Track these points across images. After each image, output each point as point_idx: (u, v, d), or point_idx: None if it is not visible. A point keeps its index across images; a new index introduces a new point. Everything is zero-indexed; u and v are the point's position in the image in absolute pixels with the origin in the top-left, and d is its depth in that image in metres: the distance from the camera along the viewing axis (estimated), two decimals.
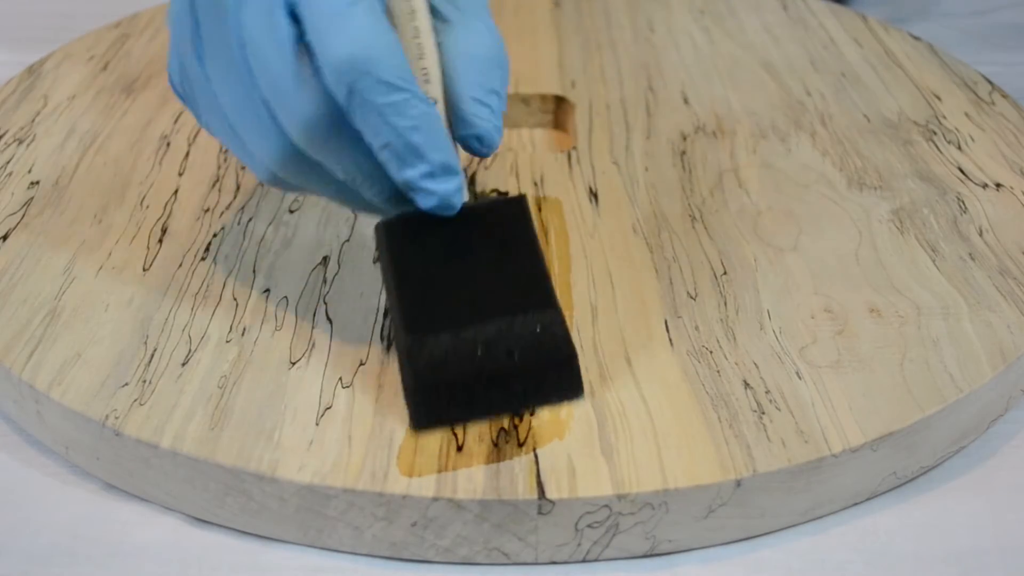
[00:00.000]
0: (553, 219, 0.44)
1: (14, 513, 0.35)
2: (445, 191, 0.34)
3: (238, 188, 0.46)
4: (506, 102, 0.36)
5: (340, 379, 0.36)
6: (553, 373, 0.34)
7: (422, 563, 0.34)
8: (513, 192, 0.45)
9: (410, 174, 0.33)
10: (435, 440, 0.34)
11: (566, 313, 0.39)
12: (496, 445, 0.34)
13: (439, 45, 0.36)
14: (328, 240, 0.43)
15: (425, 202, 0.34)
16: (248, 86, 0.33)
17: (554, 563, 0.34)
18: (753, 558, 0.34)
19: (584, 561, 0.34)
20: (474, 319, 0.33)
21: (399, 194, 0.35)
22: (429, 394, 0.34)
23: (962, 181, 0.47)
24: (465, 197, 0.35)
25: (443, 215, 0.35)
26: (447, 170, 0.34)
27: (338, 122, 0.33)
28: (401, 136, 0.33)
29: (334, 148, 0.33)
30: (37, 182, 0.46)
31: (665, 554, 0.34)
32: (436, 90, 0.36)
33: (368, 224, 0.44)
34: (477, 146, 0.36)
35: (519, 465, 0.33)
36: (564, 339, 0.34)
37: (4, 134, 0.49)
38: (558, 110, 0.53)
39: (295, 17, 0.33)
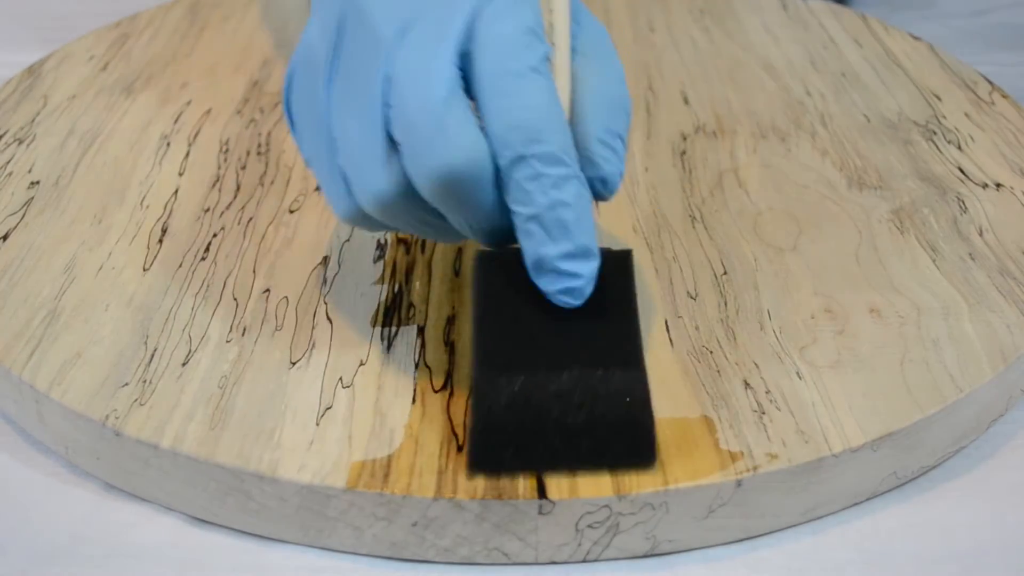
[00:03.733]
0: None
1: (14, 513, 0.35)
2: (580, 274, 0.33)
3: (238, 188, 0.46)
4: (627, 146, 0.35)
5: (340, 379, 0.36)
6: (625, 437, 0.32)
7: (422, 563, 0.34)
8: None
9: (550, 251, 0.32)
10: (435, 440, 0.34)
11: None
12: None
13: (573, 78, 0.35)
14: (328, 240, 0.43)
15: (553, 285, 0.33)
16: (373, 121, 0.32)
17: (554, 563, 0.34)
18: (753, 558, 0.34)
19: (584, 561, 0.34)
20: (551, 366, 0.32)
21: (501, 239, 0.34)
22: (492, 435, 0.32)
23: (962, 181, 0.47)
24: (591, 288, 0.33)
25: (567, 303, 0.33)
26: (587, 253, 0.32)
27: (480, 177, 0.32)
28: (553, 210, 0.32)
29: (465, 200, 0.32)
30: (37, 182, 0.46)
31: (665, 554, 0.34)
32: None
33: None
34: (600, 188, 0.34)
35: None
36: (642, 404, 0.32)
37: (4, 134, 0.49)
38: None
39: (461, 63, 0.32)
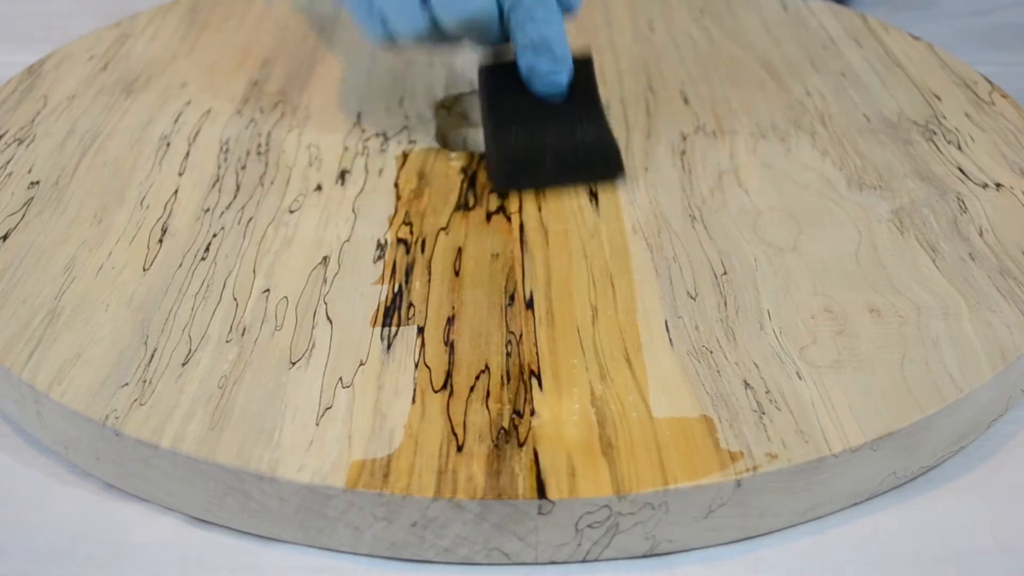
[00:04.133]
0: (553, 219, 0.44)
1: (14, 513, 0.35)
2: (559, 76, 0.46)
3: (238, 188, 0.46)
4: None
5: (340, 379, 0.36)
6: (602, 155, 0.46)
7: (422, 563, 0.34)
8: None
9: (539, 62, 0.45)
10: (435, 440, 0.34)
11: (567, 314, 0.39)
12: (496, 445, 0.34)
13: None
14: (328, 240, 0.43)
15: (541, 84, 0.46)
16: None
17: (554, 563, 0.34)
18: (753, 558, 0.34)
19: (584, 561, 0.34)
20: (547, 120, 0.46)
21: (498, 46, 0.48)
22: (509, 163, 0.45)
23: (962, 181, 0.47)
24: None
25: (550, 92, 0.46)
26: (564, 61, 0.46)
27: (491, 18, 0.45)
28: (541, 35, 0.45)
29: (479, 34, 0.46)
30: (37, 182, 0.46)
31: (665, 554, 0.34)
32: None
33: (367, 225, 0.44)
34: (567, 9, 0.46)
35: (519, 465, 0.33)
36: (610, 135, 0.46)
37: (4, 134, 0.49)
38: None
39: None
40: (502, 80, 0.47)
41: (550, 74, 0.46)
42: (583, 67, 0.48)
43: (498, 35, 0.46)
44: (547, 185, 0.46)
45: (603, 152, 0.46)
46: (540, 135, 0.45)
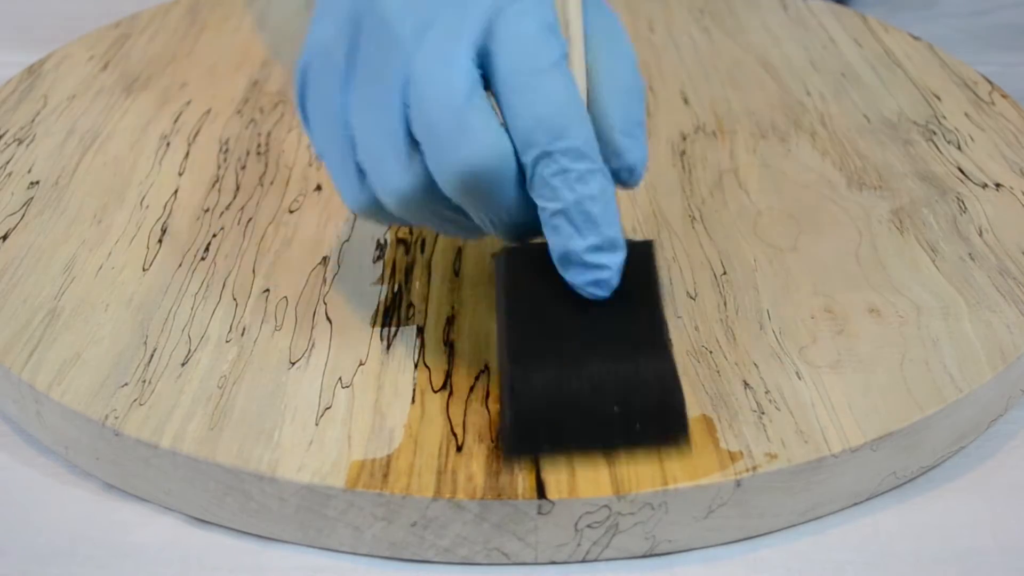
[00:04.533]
0: None
1: (14, 513, 0.35)
2: (607, 266, 0.33)
3: (238, 188, 0.46)
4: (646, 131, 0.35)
5: (340, 379, 0.36)
6: (657, 421, 0.33)
7: (422, 563, 0.34)
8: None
9: (578, 244, 0.33)
10: (435, 440, 0.34)
11: None
12: (496, 445, 0.34)
13: (587, 69, 0.35)
14: (328, 240, 0.43)
15: (581, 277, 0.33)
16: (393, 121, 0.32)
17: (554, 563, 0.34)
18: (753, 558, 0.34)
19: (584, 561, 0.34)
20: (582, 360, 0.33)
21: (522, 235, 0.35)
22: (527, 426, 0.33)
23: (962, 181, 0.47)
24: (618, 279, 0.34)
25: (595, 294, 0.33)
26: (614, 245, 0.33)
27: (504, 175, 0.32)
28: (580, 205, 0.32)
29: (488, 197, 0.32)
30: (37, 182, 0.46)
31: (665, 554, 0.34)
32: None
33: (367, 225, 0.44)
34: (626, 177, 0.34)
35: (519, 465, 0.33)
36: (672, 389, 0.33)
37: (4, 134, 0.49)
38: None
39: (480, 62, 0.32)
40: (528, 275, 0.35)
41: (593, 268, 0.33)
42: (641, 256, 0.35)
43: (515, 202, 0.33)
44: (576, 453, 0.34)
45: (660, 419, 0.33)
46: (570, 391, 0.32)
